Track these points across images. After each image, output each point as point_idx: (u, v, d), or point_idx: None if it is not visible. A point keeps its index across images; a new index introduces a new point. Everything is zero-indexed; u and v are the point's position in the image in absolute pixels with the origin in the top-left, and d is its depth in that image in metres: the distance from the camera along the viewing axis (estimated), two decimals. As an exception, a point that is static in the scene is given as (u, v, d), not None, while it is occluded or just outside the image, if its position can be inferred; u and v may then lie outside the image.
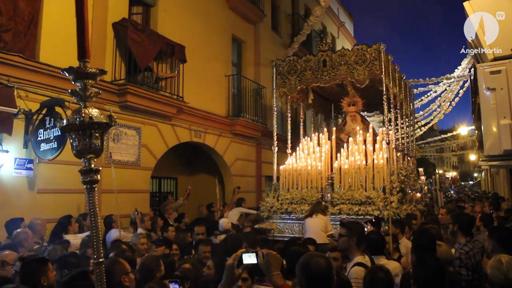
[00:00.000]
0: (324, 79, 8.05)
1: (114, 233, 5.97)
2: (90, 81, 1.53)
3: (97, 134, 1.54)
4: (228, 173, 11.33)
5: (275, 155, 8.58)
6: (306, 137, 9.04)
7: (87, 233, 5.77)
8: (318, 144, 8.58)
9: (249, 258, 2.08)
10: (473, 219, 4.80)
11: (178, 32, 9.29)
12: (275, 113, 9.03)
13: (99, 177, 1.54)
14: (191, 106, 9.46)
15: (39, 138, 6.12)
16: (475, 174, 49.01)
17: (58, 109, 6.10)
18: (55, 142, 5.95)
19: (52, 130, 6.00)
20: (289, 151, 8.73)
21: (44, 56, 6.52)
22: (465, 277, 3.72)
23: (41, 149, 6.09)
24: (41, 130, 6.11)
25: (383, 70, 7.48)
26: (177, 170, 11.40)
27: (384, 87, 7.49)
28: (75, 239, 5.41)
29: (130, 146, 8.06)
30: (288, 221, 7.73)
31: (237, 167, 11.50)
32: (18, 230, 4.95)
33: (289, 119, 9.08)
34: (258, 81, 12.34)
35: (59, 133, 5.92)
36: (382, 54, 7.54)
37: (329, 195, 7.48)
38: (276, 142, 8.71)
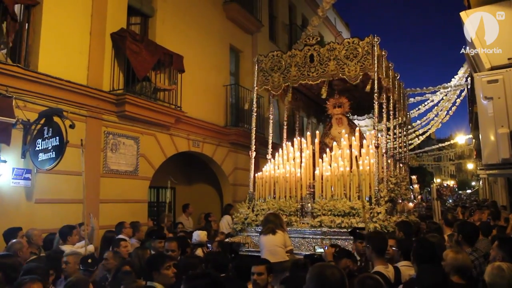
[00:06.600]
0: (311, 76, 7.27)
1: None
2: None
3: None
4: (226, 183, 11.30)
5: (253, 160, 7.87)
6: (287, 142, 8.25)
7: (82, 242, 5.69)
8: (300, 149, 7.82)
9: None
10: (477, 228, 4.65)
11: (176, 42, 9.33)
12: (255, 114, 8.31)
13: None
14: (189, 116, 9.47)
15: (37, 148, 6.10)
16: (473, 183, 49.03)
17: (56, 119, 6.09)
18: (53, 152, 5.93)
19: (50, 140, 5.98)
20: (269, 156, 7.99)
21: (43, 66, 6.52)
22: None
23: (39, 159, 6.07)
24: (39, 140, 6.09)
25: (376, 65, 6.74)
26: (175, 179, 11.34)
27: (376, 84, 6.75)
28: (71, 249, 5.37)
29: (128, 156, 8.04)
30: None
31: (236, 176, 11.47)
32: (13, 240, 4.90)
33: (271, 120, 8.44)
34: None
35: (58, 143, 5.91)
36: (375, 48, 6.87)
37: (309, 205, 6.80)
38: (257, 146, 8.10)
